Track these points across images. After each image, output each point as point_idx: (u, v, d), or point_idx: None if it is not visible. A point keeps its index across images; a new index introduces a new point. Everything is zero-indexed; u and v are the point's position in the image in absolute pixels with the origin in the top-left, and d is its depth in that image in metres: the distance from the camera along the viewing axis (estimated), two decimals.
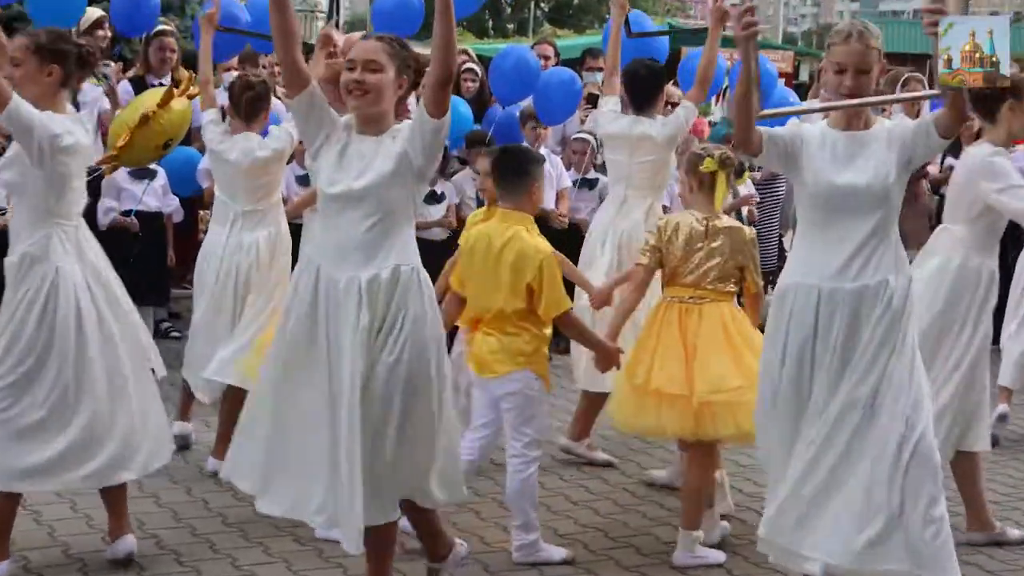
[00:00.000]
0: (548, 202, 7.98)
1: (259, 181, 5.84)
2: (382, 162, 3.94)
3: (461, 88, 8.91)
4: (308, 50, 7.23)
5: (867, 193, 4.07)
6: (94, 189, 7.45)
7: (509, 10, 46.88)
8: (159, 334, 8.00)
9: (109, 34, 8.52)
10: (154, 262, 7.79)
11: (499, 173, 4.89)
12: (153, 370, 4.73)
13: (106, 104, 7.83)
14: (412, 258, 4.00)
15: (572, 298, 5.06)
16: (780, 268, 7.85)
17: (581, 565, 4.84)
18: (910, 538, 3.95)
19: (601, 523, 5.32)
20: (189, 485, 5.52)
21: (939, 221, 8.65)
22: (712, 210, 5.06)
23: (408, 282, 3.94)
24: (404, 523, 4.35)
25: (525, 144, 7.29)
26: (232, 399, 5.51)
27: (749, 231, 5.16)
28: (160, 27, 8.40)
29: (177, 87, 6.73)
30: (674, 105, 6.71)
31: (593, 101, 8.86)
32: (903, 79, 8.24)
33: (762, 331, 4.47)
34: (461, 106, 8.18)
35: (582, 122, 8.90)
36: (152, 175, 7.66)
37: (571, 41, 17.30)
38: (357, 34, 4.99)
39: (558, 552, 4.86)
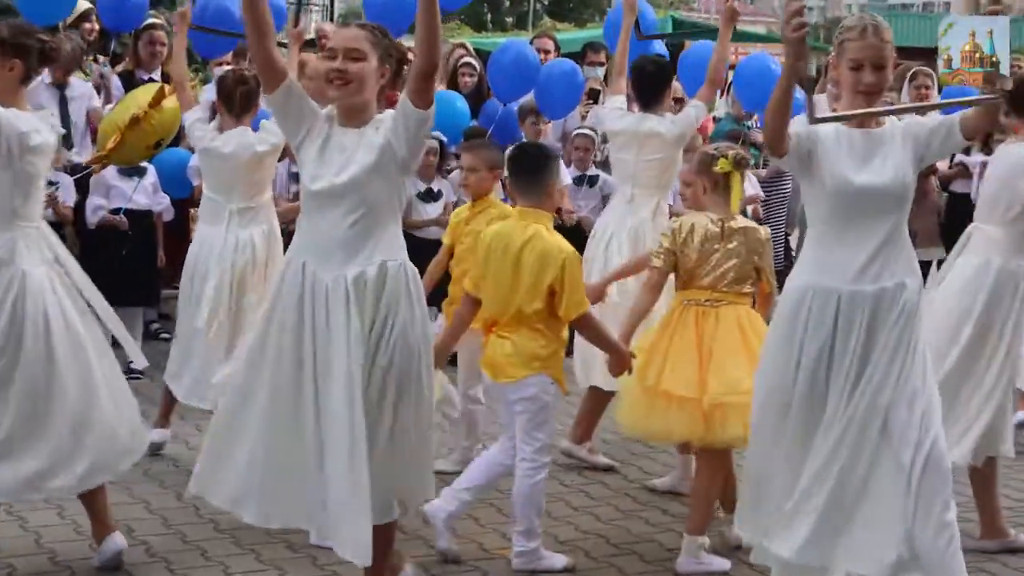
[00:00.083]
0: None
1: (255, 176, 5.81)
2: (364, 154, 3.88)
3: (459, 83, 8.81)
4: (310, 46, 7.14)
5: (886, 194, 3.97)
6: (82, 187, 7.38)
7: (508, 3, 46.75)
8: (148, 335, 7.91)
9: (96, 27, 8.40)
10: (143, 262, 7.67)
11: (516, 172, 4.86)
12: (130, 363, 4.62)
13: (95, 102, 7.73)
14: (399, 253, 3.95)
15: None
16: (786, 267, 7.76)
17: (582, 573, 4.78)
18: (923, 545, 3.87)
19: (603, 529, 5.25)
20: (179, 491, 5.38)
21: (947, 218, 8.67)
22: (727, 211, 4.98)
23: (396, 279, 3.89)
24: None
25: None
26: None
27: (764, 231, 5.10)
28: (150, 20, 8.29)
29: (168, 83, 6.67)
30: (677, 100, 6.61)
31: (594, 96, 8.77)
32: (911, 73, 8.13)
33: None
34: (458, 101, 8.10)
35: (583, 118, 8.79)
36: (142, 172, 7.55)
37: (571, 35, 17.25)
38: (330, 25, 4.93)
39: (559, 559, 4.79)
